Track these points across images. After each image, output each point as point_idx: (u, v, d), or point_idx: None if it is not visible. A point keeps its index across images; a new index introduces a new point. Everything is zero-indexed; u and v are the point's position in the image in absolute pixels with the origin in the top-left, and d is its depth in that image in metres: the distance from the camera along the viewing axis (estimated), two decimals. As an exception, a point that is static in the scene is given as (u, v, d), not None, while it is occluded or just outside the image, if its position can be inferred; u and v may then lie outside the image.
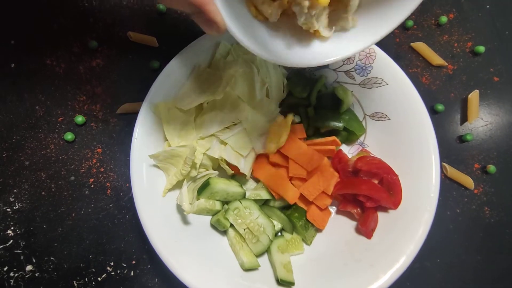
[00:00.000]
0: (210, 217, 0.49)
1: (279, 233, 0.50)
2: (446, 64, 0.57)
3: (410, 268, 0.44)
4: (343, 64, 0.50)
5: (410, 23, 0.59)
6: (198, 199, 0.48)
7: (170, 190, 0.47)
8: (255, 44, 0.28)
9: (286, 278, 0.45)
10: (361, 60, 0.49)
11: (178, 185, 0.46)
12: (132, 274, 0.51)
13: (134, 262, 0.51)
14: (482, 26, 0.59)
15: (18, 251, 0.51)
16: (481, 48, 0.57)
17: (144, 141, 0.46)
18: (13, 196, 0.52)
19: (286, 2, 0.30)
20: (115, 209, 0.52)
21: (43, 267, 0.50)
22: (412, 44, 0.58)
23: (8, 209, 0.52)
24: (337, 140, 0.49)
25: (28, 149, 0.53)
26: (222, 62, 0.48)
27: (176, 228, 0.46)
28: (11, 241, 0.51)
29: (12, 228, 0.51)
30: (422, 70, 0.58)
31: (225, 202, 0.49)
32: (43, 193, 0.52)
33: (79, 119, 0.53)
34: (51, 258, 0.51)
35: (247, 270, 0.46)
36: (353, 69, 0.50)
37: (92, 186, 0.53)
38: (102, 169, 0.53)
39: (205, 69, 0.49)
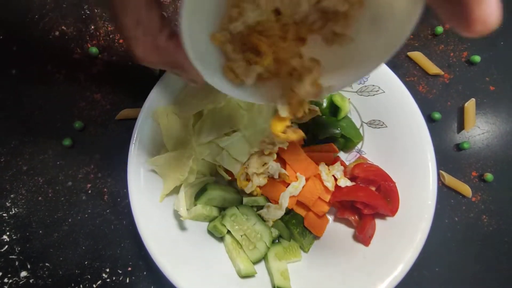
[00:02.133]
0: (207, 223, 0.49)
1: (277, 240, 0.49)
2: (443, 73, 0.58)
3: (408, 277, 0.43)
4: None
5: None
6: (195, 205, 0.47)
7: (167, 195, 0.46)
8: (236, 90, 0.31)
9: (283, 286, 0.44)
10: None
11: (175, 190, 0.46)
12: (127, 280, 0.50)
13: (130, 268, 0.50)
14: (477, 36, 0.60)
15: (13, 256, 0.50)
16: (477, 58, 0.58)
17: (142, 146, 0.46)
18: (9, 201, 0.52)
19: (263, 67, 0.31)
20: (112, 215, 0.52)
21: (38, 273, 0.50)
22: (408, 53, 0.59)
23: (4, 214, 0.52)
24: (335, 147, 0.50)
25: (26, 154, 0.53)
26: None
27: (172, 234, 0.45)
28: (6, 246, 0.51)
29: (7, 233, 0.51)
30: (418, 79, 0.58)
31: (222, 208, 0.49)
32: (40, 198, 0.52)
33: (78, 124, 0.54)
34: (46, 264, 0.50)
35: (243, 277, 0.45)
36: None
37: (89, 191, 0.53)
38: (99, 175, 0.53)
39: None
